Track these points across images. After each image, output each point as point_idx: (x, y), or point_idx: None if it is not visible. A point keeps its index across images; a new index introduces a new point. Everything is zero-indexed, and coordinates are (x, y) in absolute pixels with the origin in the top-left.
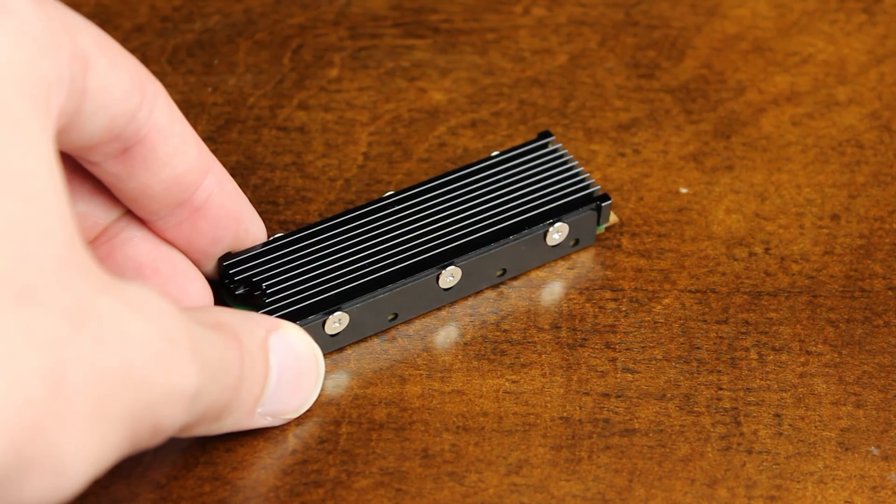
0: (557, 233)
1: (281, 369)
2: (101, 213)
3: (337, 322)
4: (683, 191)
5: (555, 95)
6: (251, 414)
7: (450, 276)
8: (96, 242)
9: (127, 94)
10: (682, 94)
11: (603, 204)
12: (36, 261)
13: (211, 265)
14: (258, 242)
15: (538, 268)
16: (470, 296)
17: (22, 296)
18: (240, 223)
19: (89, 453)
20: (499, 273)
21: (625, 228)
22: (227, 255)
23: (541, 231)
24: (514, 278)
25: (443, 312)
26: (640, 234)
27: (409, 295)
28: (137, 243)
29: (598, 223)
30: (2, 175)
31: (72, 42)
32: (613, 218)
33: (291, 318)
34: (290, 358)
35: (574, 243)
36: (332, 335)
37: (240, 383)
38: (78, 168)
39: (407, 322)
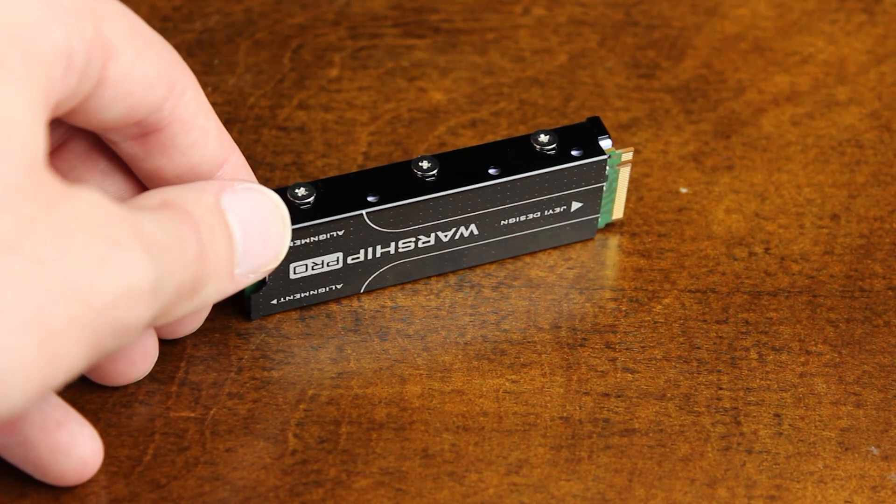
0: (545, 135)
1: (243, 225)
2: (118, 189)
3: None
4: (683, 191)
5: (555, 95)
6: (230, 278)
7: (423, 162)
8: None
9: (151, 86)
10: (682, 94)
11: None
12: None
13: None
14: None
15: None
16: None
17: None
18: None
19: (29, 365)
20: (492, 171)
21: (625, 228)
22: None
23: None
24: (515, 278)
25: (443, 312)
26: (640, 234)
27: (382, 178)
28: None
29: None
30: None
31: (94, 27)
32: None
33: None
34: (249, 211)
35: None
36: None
37: (203, 255)
38: (99, 144)
39: (407, 324)
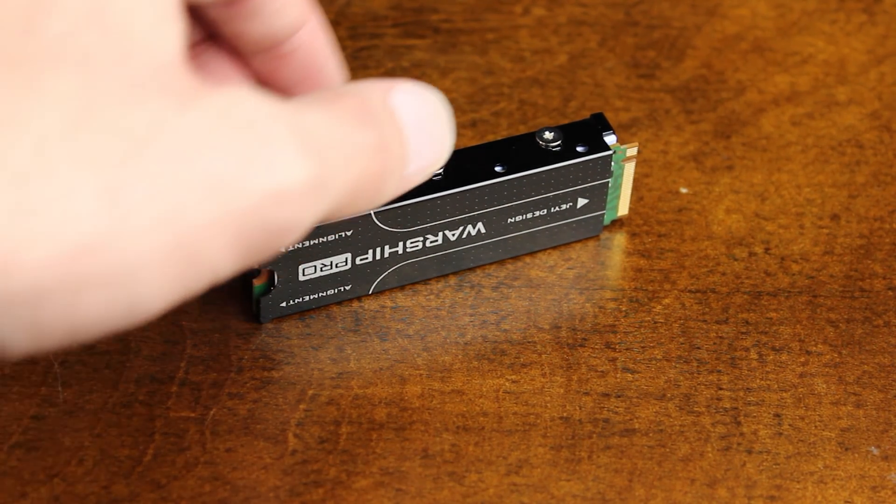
0: (549, 132)
1: (412, 121)
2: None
3: None
4: (683, 191)
5: (555, 95)
6: (401, 176)
7: (438, 174)
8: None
9: None
10: (682, 94)
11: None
12: (104, 84)
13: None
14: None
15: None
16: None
17: (82, 119)
18: (323, 76)
19: (166, 264)
20: (498, 169)
21: (625, 228)
22: None
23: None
24: (515, 278)
25: (443, 312)
26: (640, 234)
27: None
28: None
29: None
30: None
31: None
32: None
33: None
34: (416, 106)
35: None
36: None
37: (383, 147)
38: None
39: (407, 324)
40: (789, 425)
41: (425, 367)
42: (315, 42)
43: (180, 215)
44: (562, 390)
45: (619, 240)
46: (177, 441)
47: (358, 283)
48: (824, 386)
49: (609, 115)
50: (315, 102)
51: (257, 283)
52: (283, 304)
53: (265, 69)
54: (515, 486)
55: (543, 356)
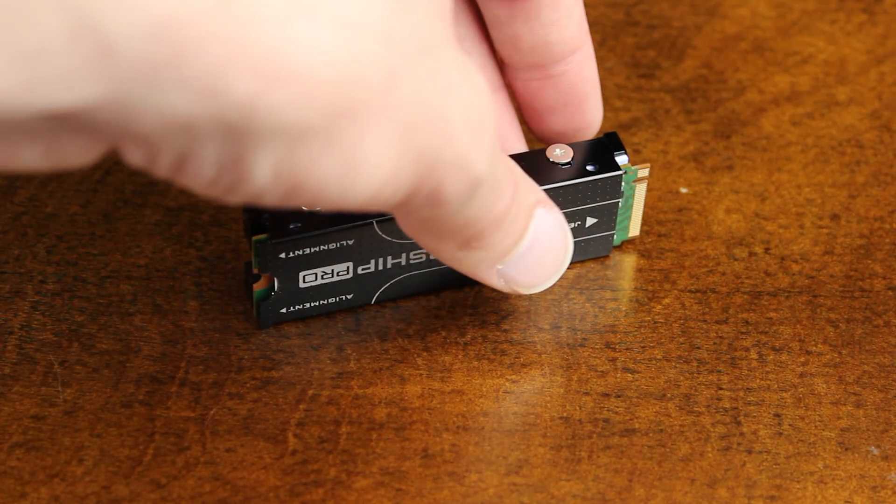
0: (560, 149)
1: (534, 239)
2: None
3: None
4: (683, 191)
5: None
6: (493, 264)
7: None
8: None
9: None
10: (682, 94)
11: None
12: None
13: (539, 132)
14: (587, 136)
15: None
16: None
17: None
18: (582, 109)
19: (384, 161)
20: None
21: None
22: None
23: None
24: None
25: (443, 311)
26: (640, 233)
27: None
28: None
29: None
30: None
31: None
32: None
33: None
34: (547, 234)
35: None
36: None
37: (503, 221)
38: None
39: (407, 323)
40: (789, 425)
41: (425, 367)
42: (585, 71)
43: (416, 130)
44: (562, 390)
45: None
46: (177, 441)
47: (360, 292)
48: (824, 386)
49: (609, 115)
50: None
51: (257, 287)
52: (284, 311)
53: (530, 88)
54: (515, 486)
55: (543, 356)
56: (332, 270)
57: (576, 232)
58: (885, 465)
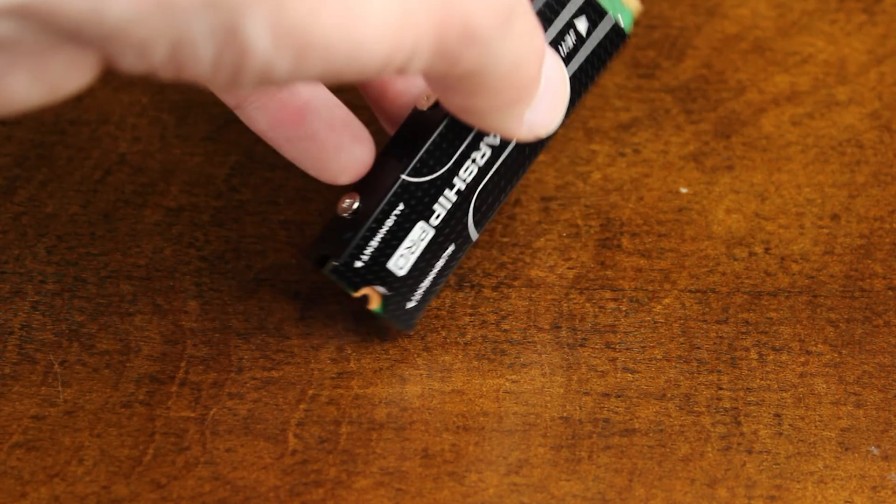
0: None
1: (548, 81)
2: None
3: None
4: (683, 191)
5: None
6: (522, 114)
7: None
8: None
9: None
10: (682, 94)
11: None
12: None
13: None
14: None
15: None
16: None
17: None
18: None
19: (388, 24)
20: None
21: (625, 228)
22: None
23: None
24: (515, 278)
25: (443, 312)
26: (640, 234)
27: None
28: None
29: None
30: None
31: None
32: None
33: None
34: (556, 74)
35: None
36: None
37: (537, 72)
38: None
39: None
40: (789, 425)
41: (425, 367)
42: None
43: None
44: (562, 390)
45: (620, 240)
46: (177, 441)
47: (454, 234)
48: (824, 386)
49: (609, 115)
50: None
51: (373, 307)
52: (410, 305)
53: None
54: (515, 486)
55: (543, 356)
56: (412, 241)
57: (578, 48)
58: (885, 465)
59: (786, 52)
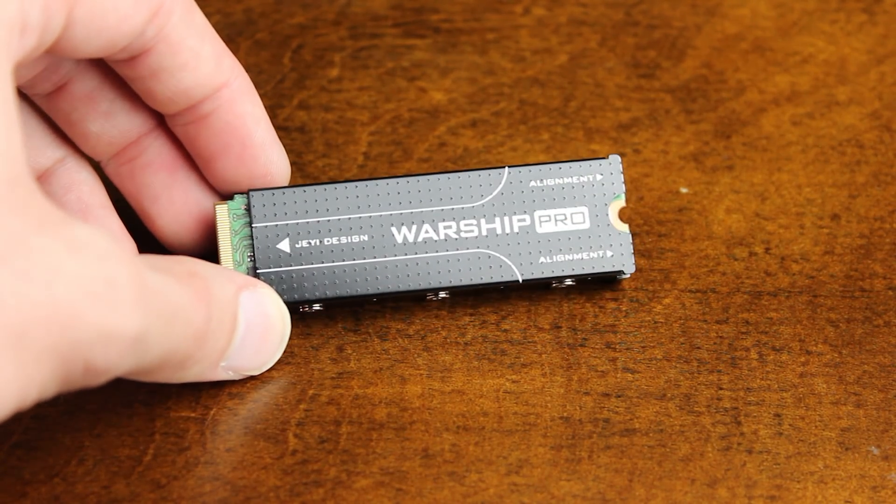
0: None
1: (248, 326)
2: (121, 132)
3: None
4: (683, 191)
5: (555, 95)
6: (215, 366)
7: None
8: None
9: (126, 17)
10: (682, 94)
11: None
12: None
13: (220, 185)
14: (277, 182)
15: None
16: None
17: None
18: (246, 148)
19: (7, 383)
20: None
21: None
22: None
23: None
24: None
25: (443, 311)
26: (640, 234)
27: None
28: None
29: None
30: None
31: None
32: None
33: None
34: (259, 316)
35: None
36: None
37: (205, 335)
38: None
39: (407, 323)
40: (789, 425)
41: (425, 367)
42: (238, 107)
43: (25, 338)
44: (562, 390)
45: None
46: (177, 441)
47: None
48: (824, 386)
49: (609, 115)
50: (167, 267)
51: None
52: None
53: (188, 134)
54: (515, 486)
55: (543, 356)
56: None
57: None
58: (886, 465)
59: (786, 52)
